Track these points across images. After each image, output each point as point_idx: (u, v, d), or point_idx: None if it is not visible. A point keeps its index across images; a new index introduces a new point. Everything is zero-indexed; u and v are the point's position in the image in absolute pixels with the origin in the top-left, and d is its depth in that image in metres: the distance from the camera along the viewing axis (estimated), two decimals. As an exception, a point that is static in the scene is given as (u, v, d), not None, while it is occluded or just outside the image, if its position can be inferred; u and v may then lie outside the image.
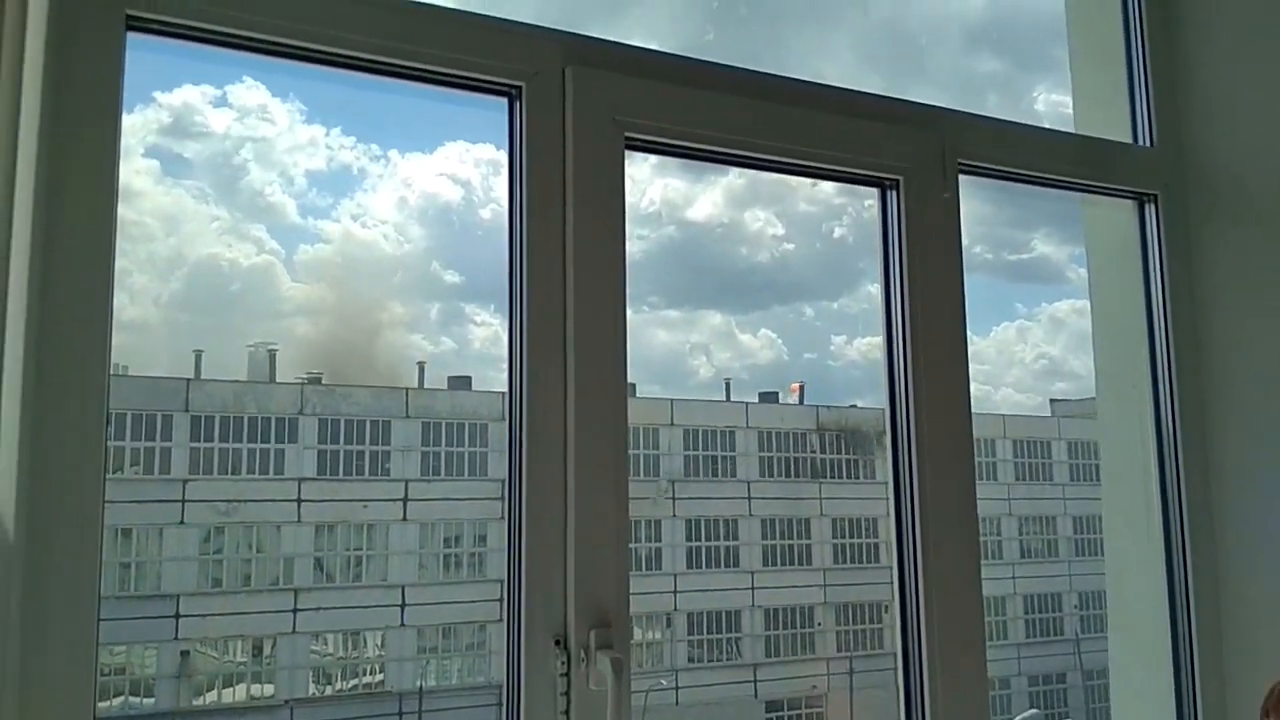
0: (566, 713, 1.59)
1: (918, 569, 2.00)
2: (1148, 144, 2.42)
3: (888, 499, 2.09)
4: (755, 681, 9.04)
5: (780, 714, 9.08)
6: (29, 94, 1.43)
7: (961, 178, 2.14)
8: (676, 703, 8.77)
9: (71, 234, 1.42)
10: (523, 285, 1.71)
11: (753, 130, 1.95)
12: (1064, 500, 10.01)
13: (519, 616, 1.62)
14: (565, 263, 1.73)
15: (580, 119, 1.77)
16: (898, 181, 2.08)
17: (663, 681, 8.67)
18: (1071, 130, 2.48)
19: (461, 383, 8.71)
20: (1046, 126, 2.36)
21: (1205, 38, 2.41)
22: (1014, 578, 9.70)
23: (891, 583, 2.06)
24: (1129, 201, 2.41)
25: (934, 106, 2.16)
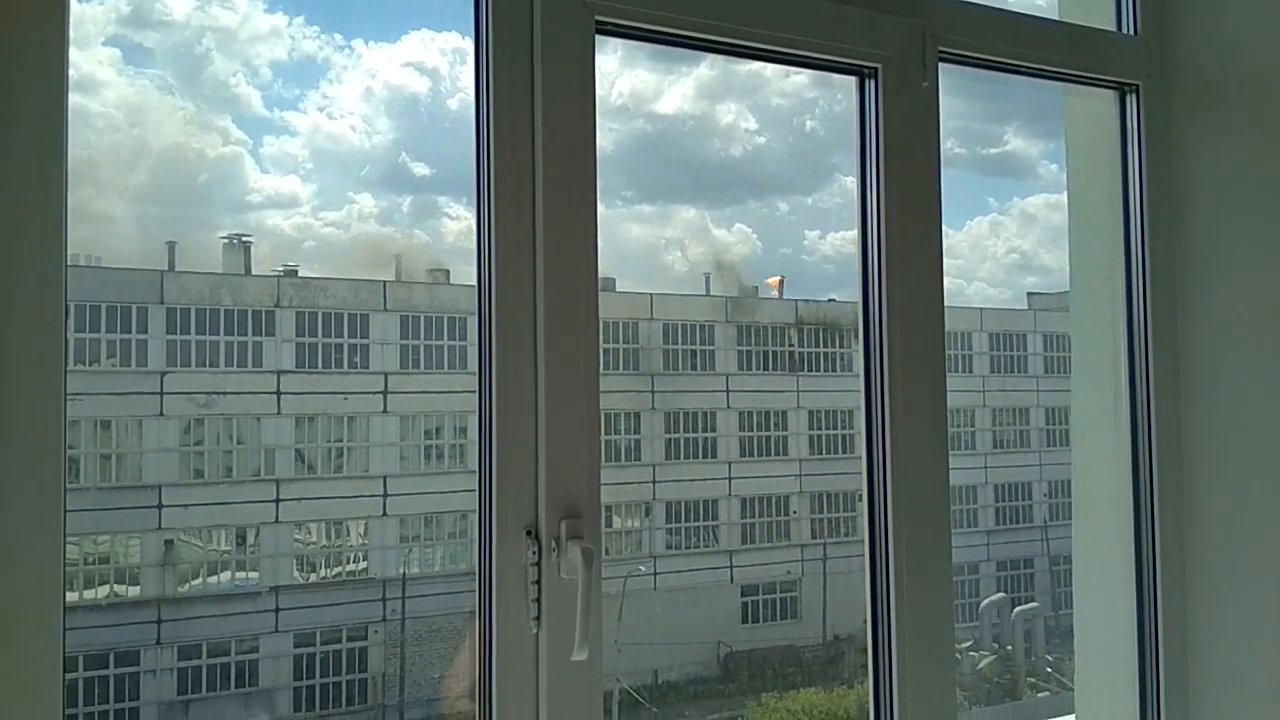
0: (538, 601, 1.62)
1: (886, 458, 2.01)
2: (1132, 33, 2.36)
3: (859, 391, 2.09)
4: (731, 567, 9.28)
5: (755, 598, 9.35)
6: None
7: (940, 68, 2.09)
8: (655, 588, 9.00)
9: (22, 124, 1.38)
10: (490, 173, 1.67)
11: (729, 14, 1.89)
12: (1037, 392, 10.16)
13: (490, 507, 1.63)
14: (534, 148, 1.68)
15: (549, 0, 1.70)
16: (876, 70, 2.03)
17: (641, 568, 8.88)
18: (1054, 18, 2.42)
19: (439, 276, 8.66)
20: (1028, 13, 2.30)
21: (1195, -79, 2.34)
22: (986, 467, 9.91)
23: (861, 472, 2.08)
24: (1110, 92, 2.36)
25: (915, -9, 2.09)
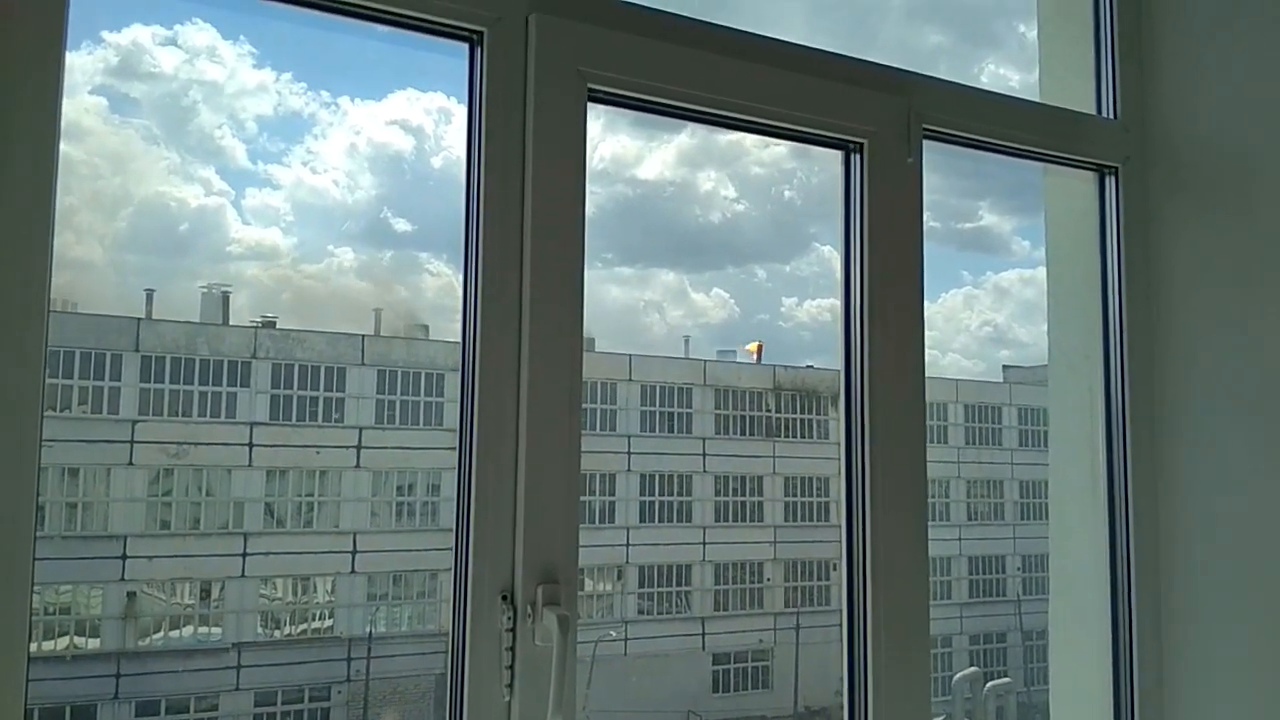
0: (511, 668, 1.59)
1: (866, 529, 2.01)
2: (1112, 117, 2.42)
3: (839, 459, 2.09)
4: (703, 634, 9.16)
5: (727, 666, 9.22)
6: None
7: (923, 144, 2.12)
8: (625, 654, 8.87)
9: (11, 170, 1.38)
10: (479, 235, 1.68)
11: (719, 87, 1.92)
12: (1012, 465, 10.19)
13: (466, 571, 1.61)
14: (524, 213, 1.70)
15: (543, 68, 1.72)
16: (862, 145, 2.07)
17: (612, 633, 8.76)
18: (1036, 100, 2.47)
19: (418, 331, 8.65)
20: (1011, 95, 2.35)
21: (1175, 12, 2.41)
22: (960, 539, 9.89)
23: (840, 541, 2.07)
24: (1090, 173, 2.41)
25: (901, 70, 2.13)
